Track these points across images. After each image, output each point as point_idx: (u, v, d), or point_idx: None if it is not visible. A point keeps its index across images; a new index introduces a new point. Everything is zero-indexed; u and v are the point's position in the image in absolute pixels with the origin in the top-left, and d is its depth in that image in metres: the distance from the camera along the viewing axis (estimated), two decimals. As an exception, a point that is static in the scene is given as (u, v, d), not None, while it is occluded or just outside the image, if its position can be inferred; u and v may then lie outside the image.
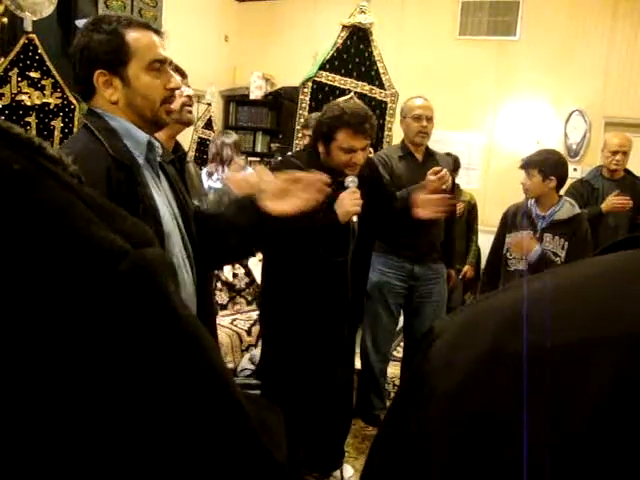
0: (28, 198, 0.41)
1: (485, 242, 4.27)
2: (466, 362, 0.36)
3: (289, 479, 0.53)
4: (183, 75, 2.18)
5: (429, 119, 3.32)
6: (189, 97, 2.15)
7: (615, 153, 3.90)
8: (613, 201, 3.76)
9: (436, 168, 2.91)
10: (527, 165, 3.08)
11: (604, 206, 3.77)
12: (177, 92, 2.02)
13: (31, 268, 0.39)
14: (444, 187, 3.19)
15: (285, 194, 1.64)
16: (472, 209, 4.75)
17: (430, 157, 3.41)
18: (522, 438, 0.30)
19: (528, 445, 0.30)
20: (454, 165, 4.45)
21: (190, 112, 2.17)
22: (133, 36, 1.50)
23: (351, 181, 2.41)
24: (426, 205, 2.57)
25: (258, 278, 4.38)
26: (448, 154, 4.45)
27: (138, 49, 1.50)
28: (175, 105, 2.02)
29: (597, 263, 0.39)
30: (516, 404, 0.31)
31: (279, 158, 4.22)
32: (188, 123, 2.24)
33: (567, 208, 3.08)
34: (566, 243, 2.99)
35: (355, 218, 2.36)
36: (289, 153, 4.10)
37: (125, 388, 0.41)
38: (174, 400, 0.43)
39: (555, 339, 0.32)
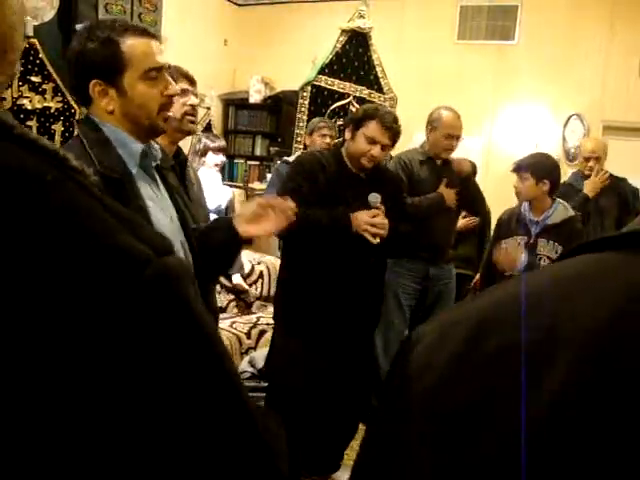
0: (61, 207, 0.43)
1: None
2: (442, 363, 0.38)
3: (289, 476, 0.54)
4: (192, 82, 2.14)
5: (458, 137, 3.35)
6: (192, 107, 2.07)
7: (587, 160, 3.95)
8: (595, 182, 3.81)
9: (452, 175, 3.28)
10: (520, 168, 3.08)
11: (588, 191, 3.80)
12: (180, 101, 2.02)
13: (64, 274, 0.40)
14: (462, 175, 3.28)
15: (259, 218, 1.71)
16: (485, 216, 4.69)
17: (447, 162, 3.43)
18: (491, 430, 0.33)
19: (497, 435, 0.33)
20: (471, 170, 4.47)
21: (192, 122, 2.10)
22: (128, 44, 1.45)
23: (374, 198, 2.49)
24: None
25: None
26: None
27: (133, 57, 1.46)
28: (176, 114, 2.02)
29: (563, 267, 0.41)
30: (484, 399, 0.34)
31: (289, 156, 4.19)
32: (188, 133, 2.19)
33: (560, 211, 3.08)
34: (560, 247, 3.00)
35: (374, 241, 2.41)
36: (291, 156, 4.11)
37: (146, 387, 0.42)
38: (187, 398, 0.45)
39: (522, 337, 0.35)
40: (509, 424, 0.33)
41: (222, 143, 4.24)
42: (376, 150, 2.54)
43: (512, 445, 0.32)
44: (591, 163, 3.93)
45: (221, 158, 4.15)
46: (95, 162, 1.41)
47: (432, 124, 3.36)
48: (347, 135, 2.64)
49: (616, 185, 4.00)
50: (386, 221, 2.44)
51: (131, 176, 1.49)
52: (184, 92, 2.06)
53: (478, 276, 4.43)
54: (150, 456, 0.43)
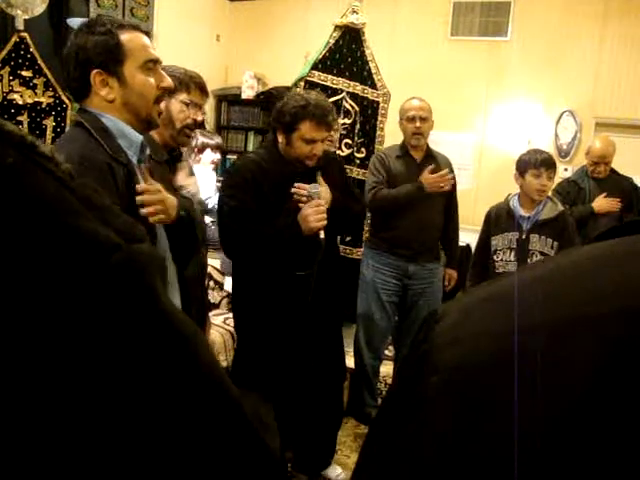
0: (21, 191, 0.41)
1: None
2: (468, 339, 0.38)
3: (282, 469, 0.54)
4: (206, 93, 2.12)
5: (423, 119, 3.32)
6: (195, 121, 2.05)
7: (597, 164, 3.93)
8: (604, 202, 3.81)
9: (435, 171, 3.22)
10: (554, 166, 3.12)
11: (596, 206, 3.81)
12: (187, 112, 2.02)
13: (22, 260, 0.39)
14: (443, 187, 3.24)
15: None
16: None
17: (430, 158, 3.41)
18: (513, 410, 0.32)
19: (519, 416, 0.32)
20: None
21: (189, 136, 2.09)
22: (127, 37, 1.53)
23: (313, 189, 2.35)
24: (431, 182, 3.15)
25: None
26: None
27: (132, 49, 1.53)
28: (177, 124, 2.02)
29: (585, 251, 0.41)
30: (509, 378, 0.33)
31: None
32: (183, 145, 2.19)
33: (550, 207, 3.10)
34: (555, 242, 3.01)
35: (322, 234, 2.30)
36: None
37: (113, 381, 0.41)
38: (162, 393, 0.43)
39: (546, 317, 0.35)
40: (530, 407, 0.32)
41: (219, 140, 4.22)
42: (317, 148, 2.39)
43: (531, 432, 0.31)
44: (600, 168, 3.92)
45: (217, 156, 4.13)
46: (106, 148, 1.44)
47: (400, 115, 3.44)
48: (280, 138, 2.44)
49: (620, 183, 4.01)
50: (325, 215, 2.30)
51: (133, 165, 1.53)
52: (194, 105, 2.04)
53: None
54: (123, 448, 0.42)
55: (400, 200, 3.23)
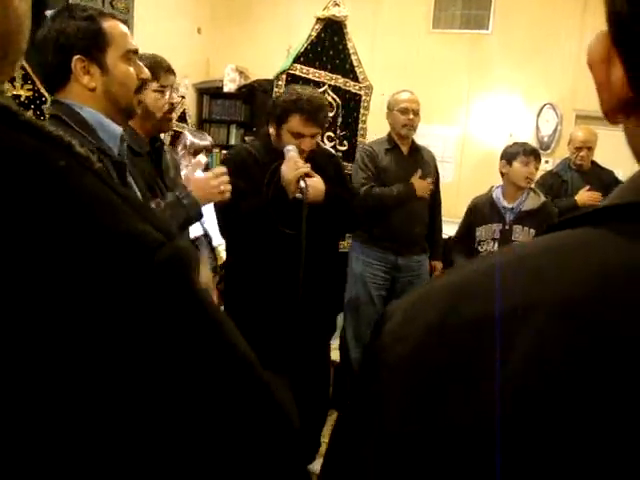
0: (75, 192, 0.44)
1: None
2: (416, 334, 0.39)
3: (303, 446, 0.57)
4: (173, 73, 2.13)
5: (416, 112, 3.37)
6: (172, 105, 2.07)
7: (579, 149, 3.99)
8: (586, 195, 3.86)
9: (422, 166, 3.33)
10: (540, 158, 3.18)
11: (579, 199, 3.86)
12: (163, 99, 2.01)
13: (79, 257, 0.41)
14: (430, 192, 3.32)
15: None
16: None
17: (415, 151, 3.45)
18: (462, 396, 0.34)
19: (469, 401, 0.34)
20: None
21: (170, 120, 2.11)
22: (109, 24, 1.50)
23: (290, 150, 2.37)
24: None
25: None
26: None
27: (115, 37, 1.50)
28: (158, 112, 2.01)
29: (539, 242, 0.43)
30: (460, 364, 0.35)
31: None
32: (166, 130, 2.24)
33: (532, 197, 3.13)
34: (538, 233, 3.05)
35: (303, 183, 2.29)
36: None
37: (160, 368, 0.44)
38: (204, 375, 0.46)
39: (497, 304, 0.37)
40: (484, 389, 0.34)
41: (210, 141, 4.19)
42: (305, 143, 2.40)
43: (486, 410, 0.33)
44: (583, 153, 3.97)
45: (205, 159, 4.11)
46: (90, 140, 1.42)
47: (389, 107, 3.49)
48: (271, 131, 2.48)
49: (602, 176, 4.05)
50: (302, 163, 2.34)
51: (115, 157, 1.51)
52: (167, 89, 2.04)
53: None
54: (164, 438, 0.44)
55: (391, 202, 3.26)
